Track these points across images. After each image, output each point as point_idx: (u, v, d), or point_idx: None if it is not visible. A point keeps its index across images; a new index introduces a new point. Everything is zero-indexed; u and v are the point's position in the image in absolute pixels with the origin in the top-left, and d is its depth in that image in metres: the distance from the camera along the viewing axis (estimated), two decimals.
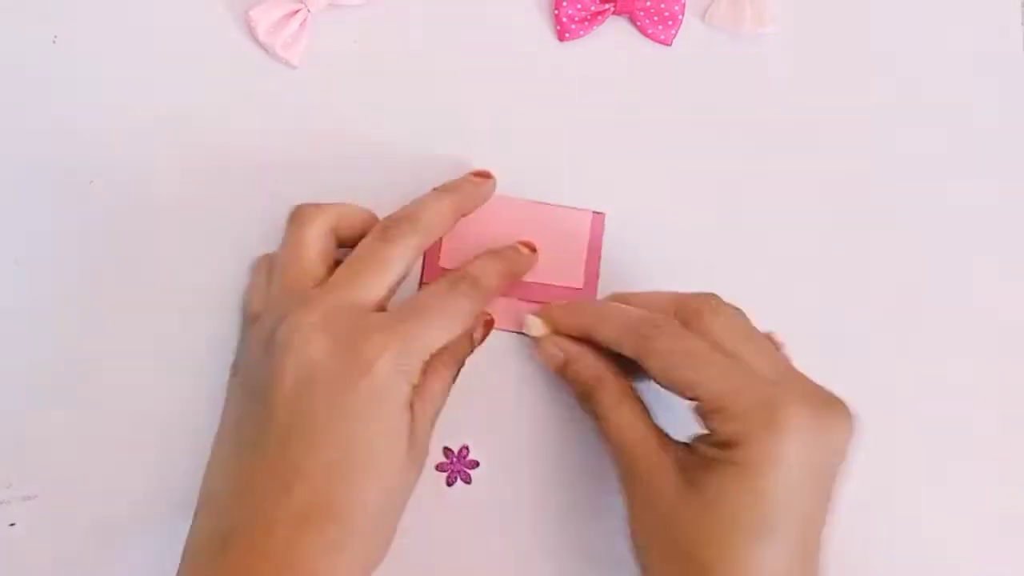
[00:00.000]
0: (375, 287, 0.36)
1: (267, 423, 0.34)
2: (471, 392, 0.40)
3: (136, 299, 0.41)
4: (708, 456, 0.33)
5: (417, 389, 0.36)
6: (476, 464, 0.41)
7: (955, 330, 0.43)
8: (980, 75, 0.45)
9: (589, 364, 0.38)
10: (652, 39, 0.44)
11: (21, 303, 0.41)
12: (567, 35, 0.43)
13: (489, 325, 0.41)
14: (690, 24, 0.44)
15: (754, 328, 0.36)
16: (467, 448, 0.41)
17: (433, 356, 0.36)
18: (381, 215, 0.40)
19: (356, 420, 0.34)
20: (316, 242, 0.38)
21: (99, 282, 0.41)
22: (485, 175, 0.41)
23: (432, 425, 0.37)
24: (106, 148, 0.42)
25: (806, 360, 0.41)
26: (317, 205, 0.38)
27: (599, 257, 0.42)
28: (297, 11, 0.42)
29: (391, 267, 0.37)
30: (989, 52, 0.45)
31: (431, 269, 0.41)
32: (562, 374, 0.39)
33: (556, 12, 0.43)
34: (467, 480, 0.41)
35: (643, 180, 0.43)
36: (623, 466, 0.36)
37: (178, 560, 0.36)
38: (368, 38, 0.43)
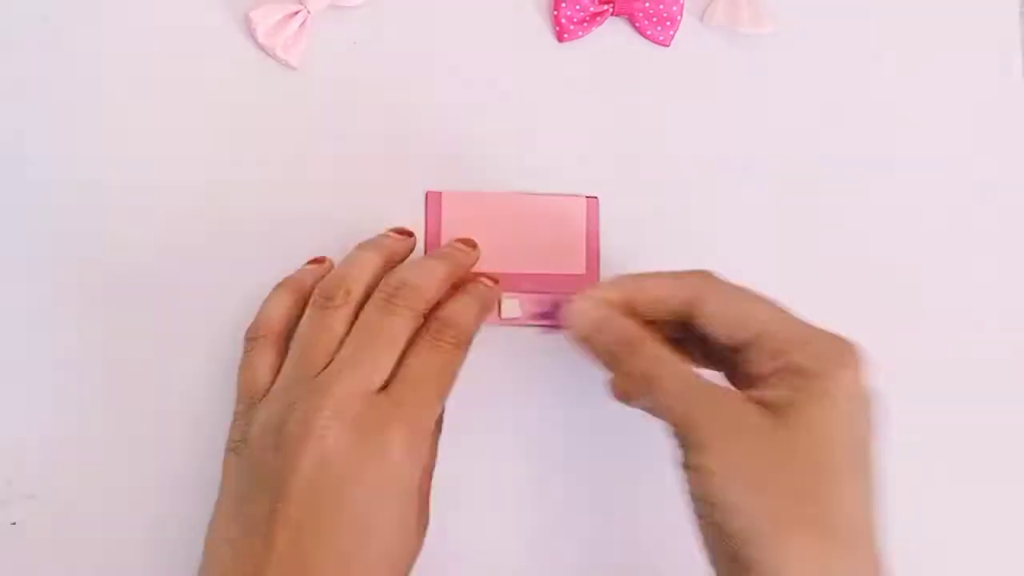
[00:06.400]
0: (383, 364, 0.35)
1: (276, 514, 0.33)
2: (471, 391, 0.40)
3: (141, 293, 0.41)
4: (789, 389, 0.32)
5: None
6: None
7: (955, 322, 0.43)
8: (980, 73, 0.45)
9: (625, 322, 0.35)
10: (651, 40, 0.44)
11: (22, 303, 0.41)
12: (566, 36, 0.43)
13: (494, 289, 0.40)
14: (688, 25, 0.44)
15: None
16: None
17: None
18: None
19: (370, 510, 0.34)
20: (340, 326, 0.37)
21: (102, 278, 0.41)
22: (407, 232, 0.41)
23: (431, 483, 0.38)
24: (104, 150, 0.42)
25: None
26: (348, 290, 0.37)
27: (598, 242, 0.42)
28: (297, 12, 0.42)
29: (397, 342, 0.36)
30: (988, 50, 0.45)
31: None
32: (591, 340, 0.36)
33: (555, 13, 0.43)
34: None
35: (642, 181, 0.43)
36: (697, 413, 0.32)
37: (178, 559, 0.36)
38: (368, 39, 0.43)
